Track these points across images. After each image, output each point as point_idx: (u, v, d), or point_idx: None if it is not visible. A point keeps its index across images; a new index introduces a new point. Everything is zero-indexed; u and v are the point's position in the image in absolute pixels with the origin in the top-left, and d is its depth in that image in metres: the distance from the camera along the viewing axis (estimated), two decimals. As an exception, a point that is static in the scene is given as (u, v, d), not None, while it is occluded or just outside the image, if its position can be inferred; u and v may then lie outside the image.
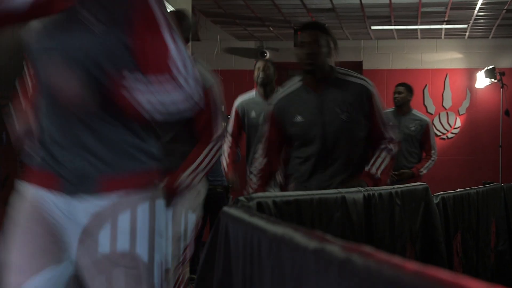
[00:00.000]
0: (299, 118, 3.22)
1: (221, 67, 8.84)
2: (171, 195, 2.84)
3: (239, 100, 5.14)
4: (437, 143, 6.49)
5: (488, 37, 8.85)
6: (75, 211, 1.80)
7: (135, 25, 1.74)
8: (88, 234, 1.80)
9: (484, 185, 4.11)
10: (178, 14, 3.17)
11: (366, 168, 3.18)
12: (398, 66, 9.11)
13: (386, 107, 6.51)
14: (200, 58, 3.24)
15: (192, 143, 2.99)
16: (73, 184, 1.80)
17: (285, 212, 1.83)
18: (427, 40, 9.03)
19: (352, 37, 8.98)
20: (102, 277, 1.79)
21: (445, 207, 3.08)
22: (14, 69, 3.58)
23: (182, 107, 1.78)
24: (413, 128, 5.93)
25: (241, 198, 1.66)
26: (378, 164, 3.20)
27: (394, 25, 8.11)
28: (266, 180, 3.33)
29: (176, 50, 1.77)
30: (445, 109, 9.04)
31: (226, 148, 5.11)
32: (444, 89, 9.07)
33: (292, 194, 2.01)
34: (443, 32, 8.53)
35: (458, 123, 9.01)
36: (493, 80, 8.41)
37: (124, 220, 1.80)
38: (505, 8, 7.14)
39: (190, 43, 5.57)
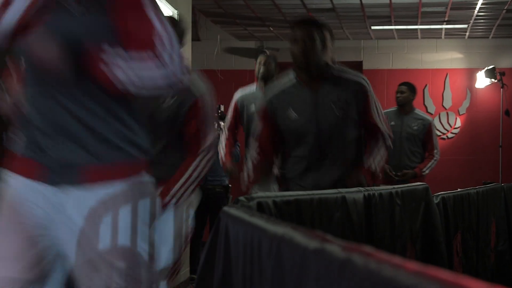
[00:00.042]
0: (293, 115, 3.18)
1: (221, 67, 8.84)
2: (162, 210, 2.82)
3: (239, 94, 5.09)
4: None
5: (488, 37, 8.85)
6: (63, 202, 1.78)
7: (117, 4, 1.75)
8: (82, 232, 1.78)
9: (484, 185, 4.11)
10: (170, 20, 3.16)
11: (364, 162, 3.18)
12: (398, 66, 9.11)
13: (386, 107, 6.52)
14: (197, 60, 3.22)
15: (183, 152, 2.97)
16: (56, 174, 1.78)
17: (285, 212, 1.83)
18: (427, 40, 9.03)
19: (352, 37, 8.98)
20: (95, 275, 1.77)
21: (445, 207, 3.08)
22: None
23: (161, 83, 1.77)
24: (415, 128, 5.91)
25: (241, 198, 1.66)
26: (374, 157, 3.20)
27: (394, 25, 8.11)
28: (261, 174, 3.30)
29: (162, 27, 1.77)
30: (445, 109, 9.04)
31: (222, 139, 5.08)
32: (444, 89, 9.07)
33: (292, 194, 2.01)
34: (443, 32, 8.53)
35: (458, 123, 9.01)
36: (493, 80, 8.41)
37: (116, 214, 1.78)
38: (505, 8, 7.14)
39: (188, 46, 5.58)
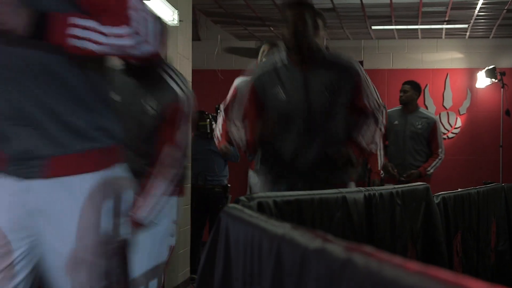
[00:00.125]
0: (282, 95, 3.10)
1: (222, 67, 8.84)
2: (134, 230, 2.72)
3: (239, 80, 5.07)
4: (438, 143, 6.47)
5: (488, 37, 8.85)
6: (29, 196, 1.68)
7: None
8: (52, 228, 1.68)
9: (485, 185, 4.11)
10: None
11: (353, 138, 3.13)
12: (399, 66, 9.11)
13: (387, 107, 6.51)
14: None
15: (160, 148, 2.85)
16: (19, 166, 1.68)
17: (285, 212, 1.83)
18: (428, 40, 9.03)
19: (353, 37, 8.98)
20: (73, 271, 1.69)
21: (446, 207, 3.08)
22: None
23: (127, 43, 1.66)
24: (419, 126, 5.89)
25: (242, 198, 1.66)
26: (363, 134, 3.15)
27: (395, 25, 8.11)
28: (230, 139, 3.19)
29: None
30: (446, 109, 9.04)
31: (220, 121, 5.07)
32: (444, 89, 9.06)
33: (292, 194, 2.01)
34: (443, 32, 8.52)
35: (459, 123, 9.01)
36: (493, 80, 8.40)
37: (85, 212, 1.68)
38: (505, 8, 7.14)
39: (188, 45, 5.58)
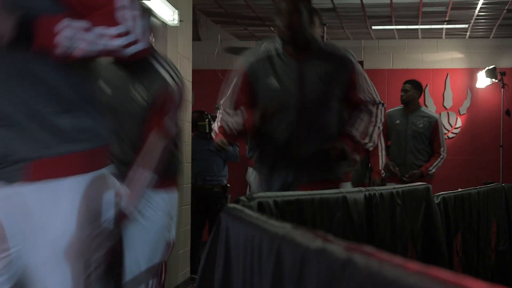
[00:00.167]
0: (274, 84, 3.02)
1: (222, 67, 8.83)
2: (121, 221, 2.65)
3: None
4: (438, 143, 6.47)
5: (489, 37, 8.85)
6: (13, 202, 1.62)
7: None
8: (33, 230, 1.62)
9: (485, 185, 4.11)
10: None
11: (346, 132, 3.07)
12: (399, 66, 9.11)
13: (387, 107, 6.50)
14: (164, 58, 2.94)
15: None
16: (3, 169, 1.61)
17: (286, 212, 1.83)
18: (428, 40, 9.03)
19: (353, 37, 8.98)
20: (52, 274, 1.63)
21: (446, 207, 3.08)
22: None
23: (120, 43, 1.62)
24: (421, 125, 5.87)
25: (242, 198, 1.66)
26: (357, 127, 3.09)
27: (395, 25, 8.11)
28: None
29: None
30: (446, 109, 9.04)
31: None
32: (445, 89, 9.06)
33: (293, 194, 2.01)
34: (444, 32, 8.52)
35: (459, 123, 9.01)
36: (494, 80, 8.40)
37: (68, 217, 1.61)
38: (506, 8, 7.14)
39: (189, 45, 5.58)
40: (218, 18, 8.09)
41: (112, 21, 1.61)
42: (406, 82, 6.06)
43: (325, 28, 7.26)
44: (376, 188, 2.47)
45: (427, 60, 9.08)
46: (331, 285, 0.92)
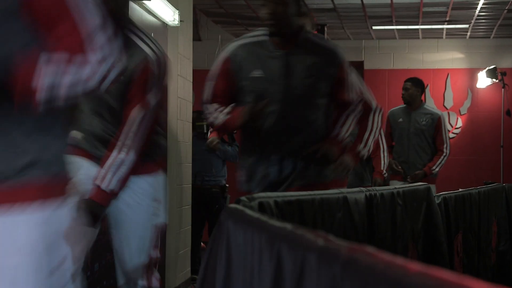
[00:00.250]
0: (258, 73, 2.89)
1: (222, 67, 8.84)
2: (100, 207, 2.57)
3: None
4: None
5: (489, 37, 8.85)
6: None
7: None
8: None
9: (486, 185, 4.11)
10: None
11: (334, 133, 2.97)
12: (400, 66, 9.11)
13: (387, 108, 6.50)
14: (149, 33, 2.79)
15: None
16: None
17: (287, 212, 1.83)
18: (429, 40, 9.03)
19: (354, 37, 8.98)
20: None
21: (447, 207, 3.08)
22: None
23: (91, 84, 1.48)
24: (424, 123, 5.85)
25: (243, 198, 1.66)
26: (343, 125, 2.99)
27: (396, 25, 8.11)
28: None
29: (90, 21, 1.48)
30: (447, 109, 9.04)
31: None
32: (445, 89, 9.06)
33: (294, 194, 2.01)
34: (444, 32, 8.53)
35: (460, 123, 9.01)
36: (494, 80, 8.41)
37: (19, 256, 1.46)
38: (506, 8, 7.14)
39: (189, 45, 5.58)
40: (219, 18, 8.10)
41: (85, 51, 1.47)
42: (407, 80, 6.05)
43: (325, 28, 7.27)
44: (377, 188, 2.47)
45: (428, 60, 9.08)
46: (332, 285, 0.92)
